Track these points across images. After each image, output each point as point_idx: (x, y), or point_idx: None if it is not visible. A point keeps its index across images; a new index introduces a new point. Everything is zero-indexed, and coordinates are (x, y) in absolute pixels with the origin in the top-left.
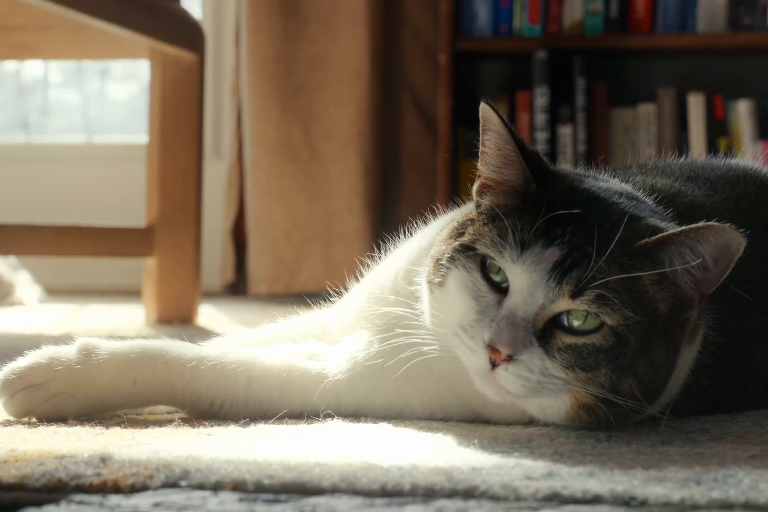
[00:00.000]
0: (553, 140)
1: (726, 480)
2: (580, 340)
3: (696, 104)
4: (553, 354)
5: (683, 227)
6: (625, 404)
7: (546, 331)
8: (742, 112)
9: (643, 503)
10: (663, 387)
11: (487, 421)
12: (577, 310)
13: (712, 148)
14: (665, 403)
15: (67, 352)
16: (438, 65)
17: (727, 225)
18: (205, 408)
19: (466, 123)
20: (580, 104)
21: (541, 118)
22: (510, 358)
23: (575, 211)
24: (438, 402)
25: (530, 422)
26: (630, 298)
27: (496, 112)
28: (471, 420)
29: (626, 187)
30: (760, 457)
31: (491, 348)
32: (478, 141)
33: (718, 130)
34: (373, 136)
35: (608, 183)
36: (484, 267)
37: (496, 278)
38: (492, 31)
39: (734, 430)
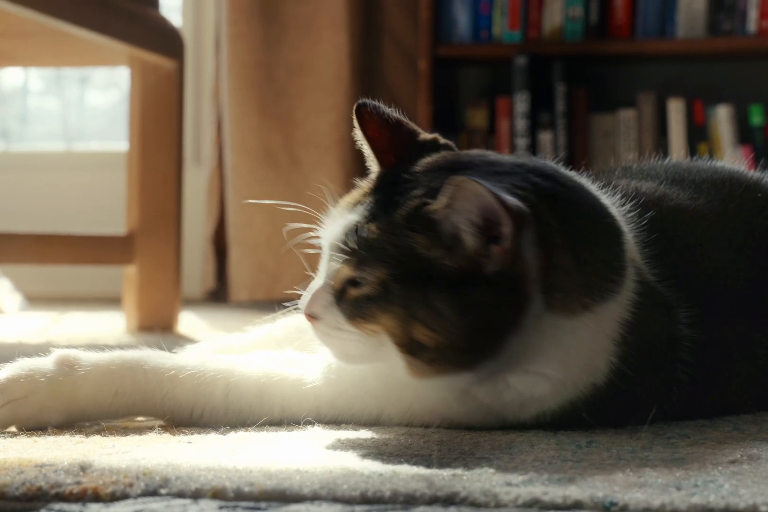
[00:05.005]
0: (533, 146)
1: (706, 486)
2: (357, 292)
3: (676, 109)
4: (343, 309)
5: (442, 198)
6: (437, 351)
7: (343, 292)
8: (722, 117)
9: (624, 508)
10: (475, 345)
11: (468, 427)
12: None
13: (692, 153)
14: (573, 396)
15: (46, 364)
16: (418, 71)
17: (463, 177)
18: (185, 417)
19: (446, 129)
20: (560, 110)
21: (521, 124)
22: (315, 319)
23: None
24: (411, 408)
25: (507, 427)
26: (397, 253)
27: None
28: (451, 427)
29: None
30: (741, 462)
31: (307, 315)
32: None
33: (698, 136)
34: (354, 142)
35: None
36: None
37: None
38: (472, 38)
39: (714, 435)
